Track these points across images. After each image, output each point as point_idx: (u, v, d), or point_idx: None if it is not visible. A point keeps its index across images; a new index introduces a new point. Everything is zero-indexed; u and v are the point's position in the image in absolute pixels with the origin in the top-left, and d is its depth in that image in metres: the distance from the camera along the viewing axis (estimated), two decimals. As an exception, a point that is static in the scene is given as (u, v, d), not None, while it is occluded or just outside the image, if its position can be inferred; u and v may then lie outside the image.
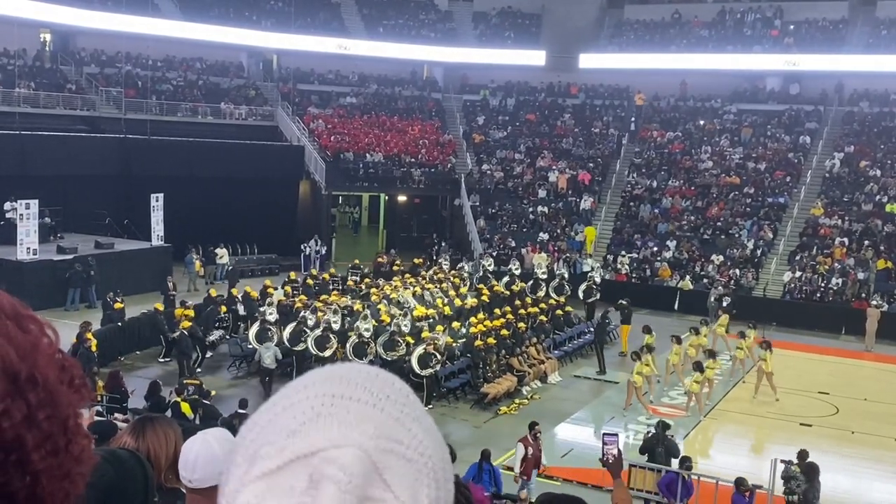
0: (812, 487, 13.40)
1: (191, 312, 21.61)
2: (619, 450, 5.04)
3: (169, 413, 14.88)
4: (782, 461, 13.77)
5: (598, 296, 28.39)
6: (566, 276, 30.11)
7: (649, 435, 15.23)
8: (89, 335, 18.76)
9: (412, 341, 20.80)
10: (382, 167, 39.10)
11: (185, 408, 15.40)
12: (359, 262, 31.69)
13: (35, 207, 25.59)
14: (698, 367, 19.74)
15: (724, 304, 28.06)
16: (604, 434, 5.24)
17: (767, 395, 21.05)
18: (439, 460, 0.83)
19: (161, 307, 22.95)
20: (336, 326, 21.32)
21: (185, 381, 17.45)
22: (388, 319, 21.78)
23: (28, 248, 25.22)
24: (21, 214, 25.32)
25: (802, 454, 14.07)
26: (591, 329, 25.55)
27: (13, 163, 29.22)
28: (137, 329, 22.43)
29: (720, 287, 30.32)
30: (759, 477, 15.52)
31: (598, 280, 29.73)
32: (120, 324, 21.97)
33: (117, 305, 22.40)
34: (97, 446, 2.05)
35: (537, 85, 45.72)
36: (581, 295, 28.41)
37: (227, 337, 22.82)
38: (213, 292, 25.13)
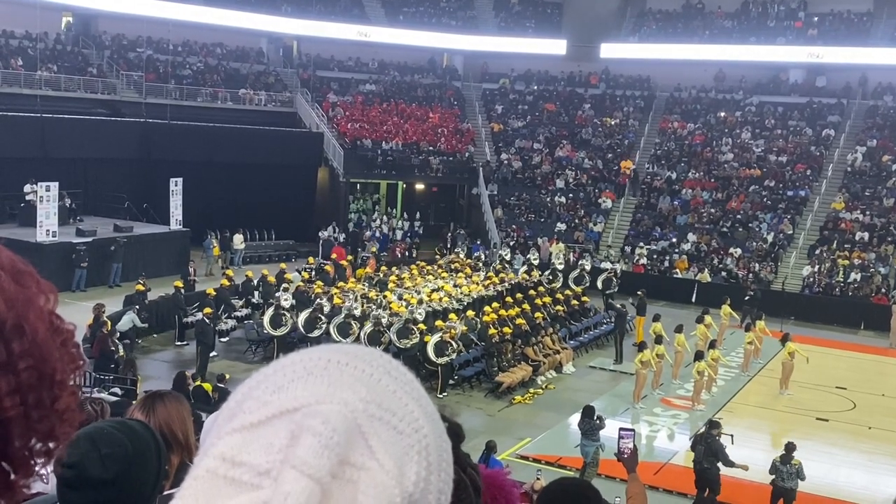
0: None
1: (212, 291, 22.29)
2: (634, 444, 5.00)
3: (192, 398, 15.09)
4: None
5: (617, 288, 28.24)
6: (587, 267, 29.98)
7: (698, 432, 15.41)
8: (106, 320, 18.86)
9: (426, 328, 20.78)
10: (400, 155, 39.05)
11: (207, 386, 15.94)
12: (375, 251, 31.66)
13: (55, 190, 25.72)
14: (699, 356, 19.69)
15: (746, 297, 27.66)
16: (620, 429, 5.18)
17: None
18: (435, 444, 0.77)
19: (181, 284, 23.15)
20: (357, 313, 21.36)
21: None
22: (403, 310, 21.75)
23: (47, 231, 25.36)
24: (41, 197, 25.43)
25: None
26: (609, 320, 25.43)
27: (34, 145, 29.39)
28: (156, 312, 22.51)
29: (753, 285, 29.79)
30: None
31: (618, 271, 29.56)
32: (138, 307, 22.03)
33: (138, 287, 22.50)
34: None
35: (557, 74, 45.48)
36: (600, 285, 28.26)
37: (245, 322, 22.93)
38: (230, 272, 25.32)
